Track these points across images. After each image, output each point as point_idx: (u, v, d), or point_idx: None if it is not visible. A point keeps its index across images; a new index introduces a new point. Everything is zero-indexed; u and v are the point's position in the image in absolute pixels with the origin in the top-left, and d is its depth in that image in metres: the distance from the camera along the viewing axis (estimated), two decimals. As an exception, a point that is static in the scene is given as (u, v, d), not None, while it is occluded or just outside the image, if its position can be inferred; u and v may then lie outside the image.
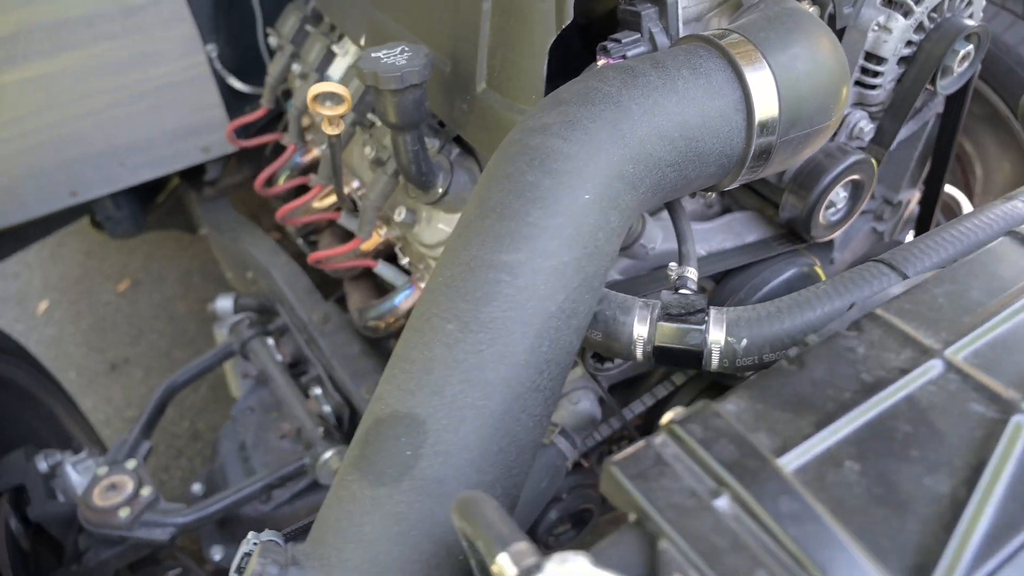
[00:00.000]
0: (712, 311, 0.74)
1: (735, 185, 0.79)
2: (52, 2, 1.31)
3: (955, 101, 1.05)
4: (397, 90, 0.85)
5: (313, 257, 1.27)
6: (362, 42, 1.14)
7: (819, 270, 1.08)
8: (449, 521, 0.60)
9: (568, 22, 0.77)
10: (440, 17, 0.93)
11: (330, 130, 0.91)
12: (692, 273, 0.80)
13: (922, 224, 1.28)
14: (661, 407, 1.04)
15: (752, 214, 1.08)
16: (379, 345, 1.48)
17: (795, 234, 1.06)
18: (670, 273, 0.80)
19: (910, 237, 1.37)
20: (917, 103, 1.00)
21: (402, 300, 1.19)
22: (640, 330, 0.74)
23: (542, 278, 0.64)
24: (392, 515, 0.59)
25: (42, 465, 1.35)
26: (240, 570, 0.67)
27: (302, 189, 1.49)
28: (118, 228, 1.80)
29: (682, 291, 0.78)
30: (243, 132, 1.57)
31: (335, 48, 1.27)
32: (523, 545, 0.42)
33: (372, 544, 0.59)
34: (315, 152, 1.48)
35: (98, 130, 1.49)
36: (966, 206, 1.48)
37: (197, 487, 1.51)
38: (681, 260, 0.81)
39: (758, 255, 1.02)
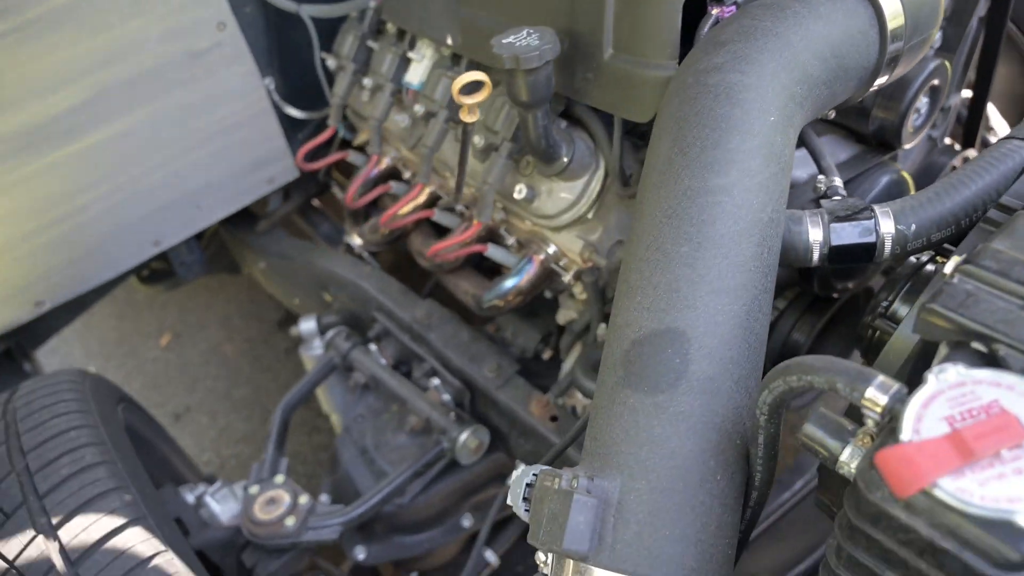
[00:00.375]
0: (875, 207, 0.84)
1: (862, 96, 0.89)
2: (126, 60, 1.36)
3: (999, 2, 1.16)
4: (534, 69, 0.93)
5: (433, 250, 1.34)
6: (449, 41, 1.21)
7: (906, 175, 1.19)
8: (727, 412, 0.68)
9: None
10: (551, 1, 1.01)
11: (469, 118, 0.99)
12: (839, 181, 0.90)
13: (971, 127, 1.39)
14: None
15: (837, 136, 1.19)
16: (482, 330, 1.56)
17: (881, 146, 1.16)
18: (819, 185, 0.90)
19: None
20: (965, 7, 1.12)
21: (524, 276, 1.27)
22: (816, 235, 0.83)
23: (753, 194, 0.73)
24: (677, 415, 0.67)
25: (189, 498, 1.40)
26: (526, 499, 0.74)
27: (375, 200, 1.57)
28: (191, 272, 1.84)
29: (834, 198, 0.88)
30: (309, 156, 1.63)
31: (410, 55, 1.34)
32: (883, 377, 0.51)
33: (664, 442, 0.67)
34: (385, 162, 1.55)
35: (174, 177, 1.54)
36: (995, 116, 1.61)
37: (324, 498, 1.56)
38: (825, 173, 0.91)
39: (856, 169, 1.12)
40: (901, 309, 0.92)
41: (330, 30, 1.56)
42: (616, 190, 1.09)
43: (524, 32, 0.96)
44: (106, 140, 1.41)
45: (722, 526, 0.66)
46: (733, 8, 0.93)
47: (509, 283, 1.29)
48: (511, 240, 1.34)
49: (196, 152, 1.54)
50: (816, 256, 0.84)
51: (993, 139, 1.67)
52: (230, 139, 1.58)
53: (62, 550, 0.91)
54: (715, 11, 0.93)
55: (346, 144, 1.78)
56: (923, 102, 1.13)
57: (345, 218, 1.82)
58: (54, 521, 0.92)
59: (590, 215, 1.18)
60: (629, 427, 0.68)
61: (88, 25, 1.29)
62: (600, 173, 1.16)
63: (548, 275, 1.29)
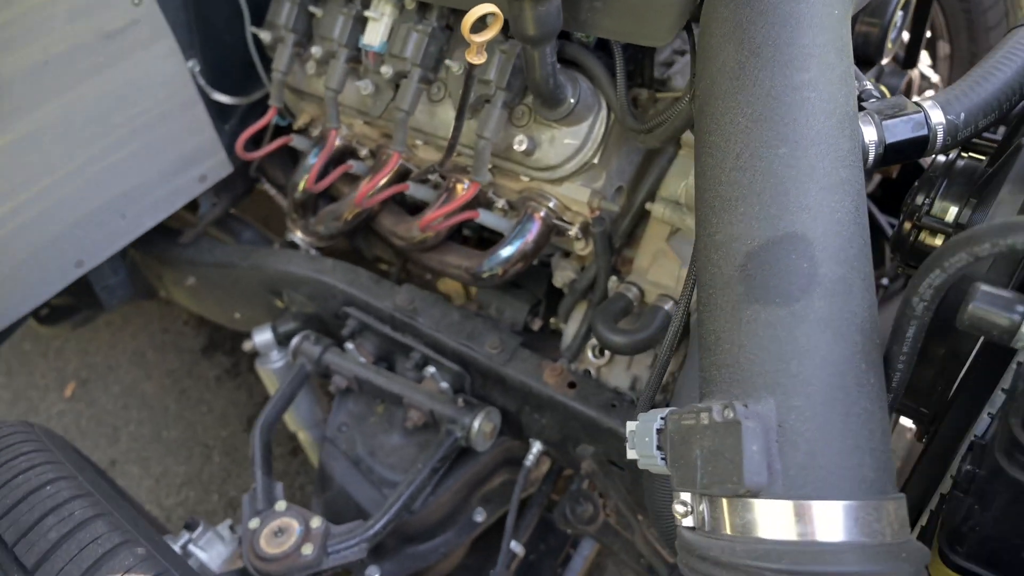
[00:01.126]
0: (921, 101, 0.83)
1: None
2: (31, 44, 1.15)
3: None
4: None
5: (426, 220, 1.23)
6: (417, -9, 1.11)
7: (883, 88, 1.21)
8: (862, 311, 0.64)
9: None
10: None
11: (478, 59, 0.89)
12: (869, 83, 0.89)
13: (913, 47, 1.45)
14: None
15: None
16: (465, 309, 1.46)
17: (860, 63, 1.18)
18: (855, 89, 0.88)
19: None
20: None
21: (527, 236, 1.19)
22: (870, 134, 0.81)
23: (836, 87, 0.70)
24: (818, 321, 0.62)
25: (175, 548, 1.21)
26: (659, 447, 0.67)
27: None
28: (114, 297, 1.62)
29: (870, 100, 0.86)
30: (249, 144, 1.47)
31: (368, 14, 1.22)
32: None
33: (813, 352, 0.62)
34: (337, 141, 1.42)
35: (94, 184, 1.34)
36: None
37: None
38: (856, 78, 0.89)
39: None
40: (941, 207, 0.92)
41: (257, 1, 1.40)
42: (628, 125, 1.04)
43: (529, -41, 0.88)
44: (9, 145, 1.20)
45: (885, 431, 0.62)
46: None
47: (512, 247, 1.20)
48: (500, 203, 1.26)
49: (117, 152, 1.35)
50: (872, 156, 0.82)
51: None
52: (154, 134, 1.39)
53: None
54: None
55: (281, 130, 1.62)
56: (899, 16, 1.15)
57: (287, 213, 1.66)
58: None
59: (596, 160, 1.12)
60: (769, 343, 0.62)
61: (-22, 4, 1.08)
62: (603, 113, 1.10)
63: (551, 232, 1.22)
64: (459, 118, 1.03)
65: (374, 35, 1.23)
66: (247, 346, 1.65)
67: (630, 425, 0.71)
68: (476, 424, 1.29)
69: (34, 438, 0.98)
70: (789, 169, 0.66)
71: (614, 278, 1.24)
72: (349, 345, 1.46)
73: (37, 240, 1.29)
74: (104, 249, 1.41)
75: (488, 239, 1.52)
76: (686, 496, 0.66)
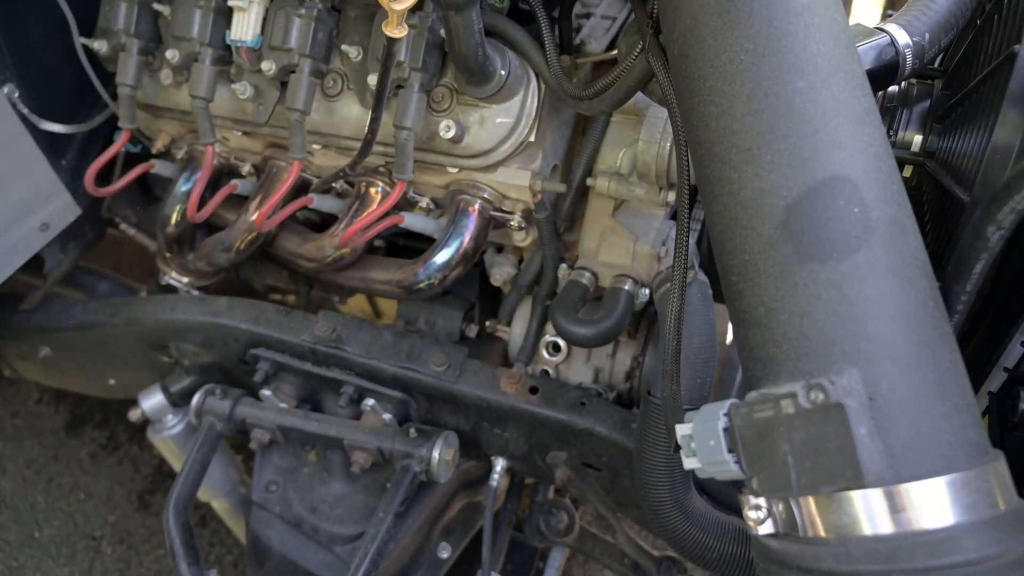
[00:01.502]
0: (884, 25, 0.78)
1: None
2: None
3: None
4: (466, -49, 0.73)
5: (348, 233, 1.05)
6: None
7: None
8: (919, 252, 0.57)
9: None
10: None
11: (398, 32, 0.74)
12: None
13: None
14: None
15: None
16: (394, 328, 1.30)
17: None
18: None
19: None
20: None
21: (465, 235, 1.05)
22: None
23: (835, 8, 0.62)
24: (885, 270, 0.54)
25: None
26: (727, 422, 0.57)
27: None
28: (-48, 386, 1.30)
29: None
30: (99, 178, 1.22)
31: (232, 3, 1.03)
32: None
33: (889, 306, 0.54)
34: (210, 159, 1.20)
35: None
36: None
37: (264, 601, 1.22)
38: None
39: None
40: (904, 137, 0.90)
41: (82, 7, 1.16)
42: (569, 93, 0.92)
43: (440, -92, 0.75)
44: None
45: (968, 382, 0.55)
46: None
47: (449, 250, 1.06)
48: (424, 201, 1.11)
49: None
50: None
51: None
52: (-27, 179, 1.12)
53: None
54: None
55: (133, 158, 1.37)
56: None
57: (158, 251, 1.41)
58: None
59: (532, 137, 1.00)
60: (838, 305, 0.54)
61: None
62: (534, 84, 0.98)
63: (489, 227, 1.09)
64: (376, 108, 0.87)
65: (244, 28, 1.04)
66: (133, 415, 1.39)
67: (681, 430, 0.60)
68: (436, 453, 1.14)
69: None
70: (813, 104, 0.58)
71: (563, 266, 1.13)
72: (265, 391, 1.25)
73: None
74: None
75: (405, 246, 1.36)
76: (759, 500, 0.56)
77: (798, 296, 0.56)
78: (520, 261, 1.24)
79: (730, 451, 0.56)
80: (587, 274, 1.11)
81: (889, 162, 0.59)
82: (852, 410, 0.49)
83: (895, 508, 0.50)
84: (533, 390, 1.14)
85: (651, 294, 1.09)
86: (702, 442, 0.57)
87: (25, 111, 1.17)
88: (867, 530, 0.50)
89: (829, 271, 0.55)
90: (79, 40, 1.15)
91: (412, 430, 1.17)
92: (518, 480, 1.44)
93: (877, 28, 0.79)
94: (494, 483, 1.22)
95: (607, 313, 1.04)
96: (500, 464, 1.23)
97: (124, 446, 2.16)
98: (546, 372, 1.22)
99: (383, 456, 1.18)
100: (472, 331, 1.36)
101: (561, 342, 1.20)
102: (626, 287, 1.08)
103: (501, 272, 1.22)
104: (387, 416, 1.22)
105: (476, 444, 1.25)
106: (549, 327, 1.21)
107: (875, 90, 0.79)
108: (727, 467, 0.56)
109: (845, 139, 0.58)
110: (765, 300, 0.57)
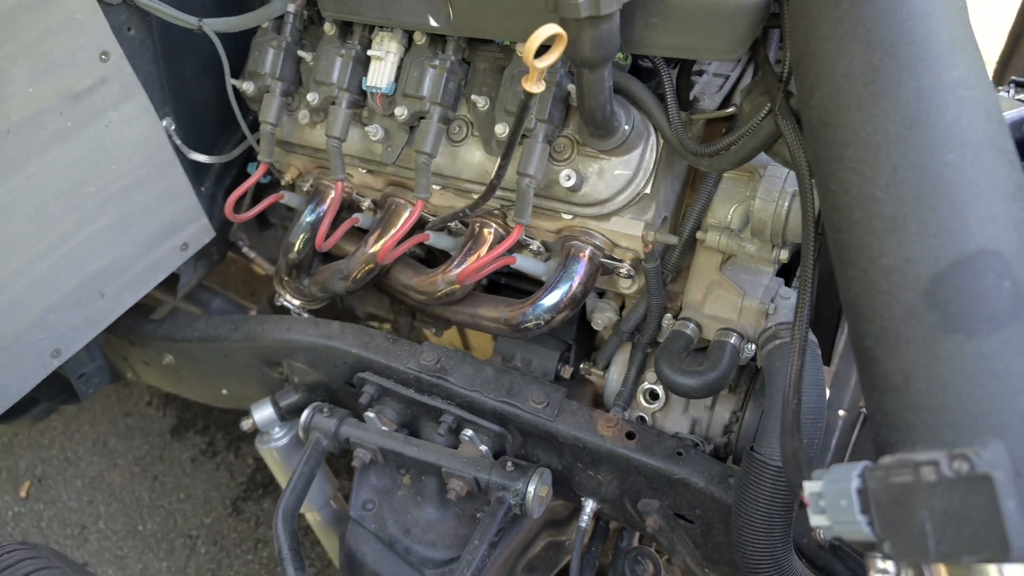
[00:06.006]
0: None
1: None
2: (-13, 109, 1.00)
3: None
4: (606, 16, 0.77)
5: (464, 272, 1.11)
6: (432, 23, 1.01)
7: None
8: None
9: None
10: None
11: (536, 88, 0.79)
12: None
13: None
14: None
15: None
16: (495, 363, 1.34)
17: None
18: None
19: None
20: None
21: (575, 279, 1.09)
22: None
23: (986, 82, 0.64)
24: (1034, 348, 0.54)
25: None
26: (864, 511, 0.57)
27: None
28: (91, 385, 1.43)
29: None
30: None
31: (371, 53, 1.11)
32: None
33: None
34: (331, 196, 1.29)
35: (69, 263, 1.17)
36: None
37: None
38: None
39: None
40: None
41: (233, 50, 1.27)
42: (689, 149, 0.95)
43: (584, -22, 0.79)
44: (-30, 226, 1.03)
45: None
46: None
47: (558, 292, 1.10)
48: (534, 245, 1.15)
49: (92, 224, 1.18)
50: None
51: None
52: (131, 202, 1.23)
53: None
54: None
55: (262, 188, 1.49)
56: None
57: (277, 274, 1.51)
58: None
59: (648, 189, 1.03)
60: (985, 379, 0.54)
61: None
62: (653, 139, 1.02)
63: (597, 273, 1.12)
64: (506, 156, 0.92)
65: (380, 75, 1.12)
66: (245, 424, 1.48)
67: (810, 487, 0.60)
68: (531, 488, 1.16)
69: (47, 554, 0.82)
70: (964, 177, 0.59)
71: (667, 315, 1.15)
72: (370, 414, 1.32)
73: (7, 332, 1.12)
74: (83, 334, 1.24)
75: (507, 285, 1.41)
76: (887, 564, 0.56)
77: (941, 367, 0.56)
78: (621, 307, 1.26)
79: (862, 512, 0.56)
80: (691, 325, 1.12)
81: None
82: (1000, 483, 0.49)
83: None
84: (630, 435, 1.15)
85: (756, 350, 1.09)
86: (832, 501, 0.58)
87: (178, 142, 1.29)
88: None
89: (976, 344, 0.55)
90: (230, 81, 1.26)
91: (509, 463, 1.20)
92: (603, 524, 1.44)
93: (1018, 100, 0.79)
94: (583, 524, 1.23)
95: (712, 365, 1.05)
96: (590, 506, 1.24)
97: (221, 453, 2.28)
98: (642, 419, 1.23)
99: (478, 486, 1.21)
100: (566, 372, 1.38)
101: (660, 390, 1.21)
102: (732, 341, 1.08)
103: (603, 317, 1.25)
104: (483, 448, 1.25)
105: (567, 484, 1.27)
106: (647, 375, 1.23)
107: None
108: (858, 528, 0.56)
109: (997, 213, 0.58)
110: (903, 368, 0.58)
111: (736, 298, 1.10)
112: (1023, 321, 0.54)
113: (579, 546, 1.23)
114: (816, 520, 0.59)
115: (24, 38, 1.01)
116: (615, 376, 1.26)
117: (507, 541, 1.28)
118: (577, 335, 1.38)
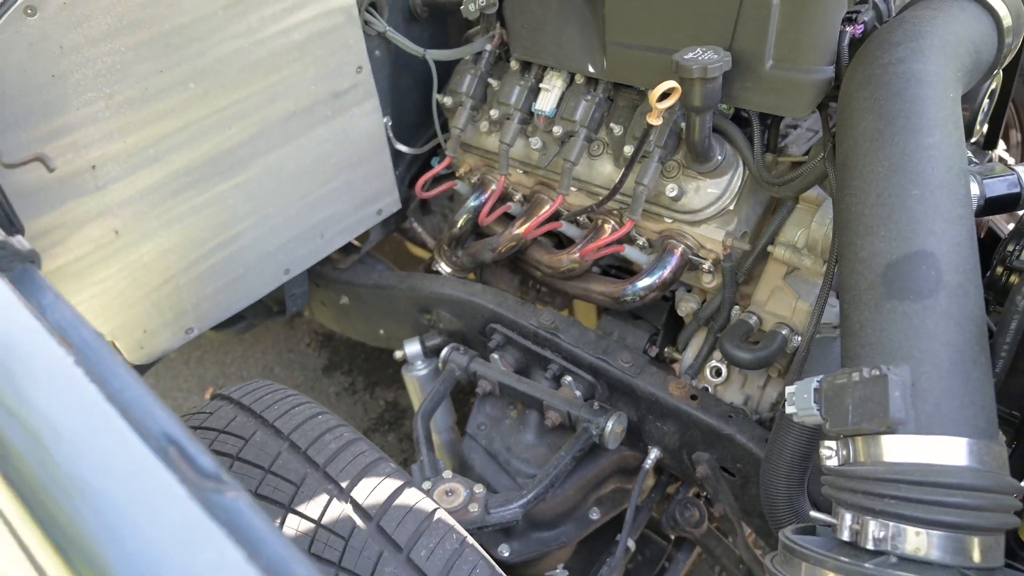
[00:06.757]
0: (1014, 165, 1.07)
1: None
2: (286, 98, 1.50)
3: None
4: (713, 78, 1.14)
5: (585, 250, 1.50)
6: (590, 69, 1.42)
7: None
8: (976, 309, 0.87)
9: (848, -1, 1.11)
10: (711, 24, 1.23)
11: (656, 121, 1.18)
12: (968, 152, 1.13)
13: (993, 129, 1.69)
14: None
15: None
16: (597, 331, 1.71)
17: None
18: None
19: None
20: None
21: (668, 267, 1.45)
22: (974, 189, 1.06)
23: (954, 148, 0.95)
24: (944, 313, 0.85)
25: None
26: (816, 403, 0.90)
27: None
28: (296, 303, 1.93)
29: (971, 164, 1.11)
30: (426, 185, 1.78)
31: (542, 85, 1.54)
32: None
33: (940, 335, 0.84)
34: (492, 187, 1.72)
35: (307, 208, 1.66)
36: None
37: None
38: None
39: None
40: (1028, 254, 1.14)
41: (440, 73, 1.74)
42: (765, 179, 1.30)
43: (699, 50, 1.17)
44: (261, 173, 1.53)
45: (992, 397, 0.84)
46: (862, 27, 1.17)
47: (653, 276, 1.46)
48: (641, 240, 1.52)
49: (327, 185, 1.67)
50: (975, 207, 1.06)
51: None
52: (353, 174, 1.72)
53: (358, 508, 0.99)
54: (849, 29, 1.17)
55: (439, 177, 1.94)
56: (986, 103, 1.40)
57: (438, 246, 1.95)
58: (343, 485, 1.01)
59: (731, 206, 1.38)
60: (906, 328, 0.86)
61: (263, 66, 1.42)
62: (740, 169, 1.37)
63: (685, 266, 1.47)
64: (629, 167, 1.31)
65: (546, 102, 1.54)
66: (398, 355, 1.92)
67: (789, 388, 0.94)
68: (609, 425, 1.52)
69: (287, 389, 1.26)
70: (920, 204, 0.91)
71: (736, 308, 1.48)
72: (495, 356, 1.72)
73: (262, 249, 1.61)
74: (305, 261, 1.73)
75: (615, 273, 1.78)
76: (831, 443, 0.88)
77: (882, 319, 0.88)
78: (703, 301, 1.60)
79: (815, 402, 0.89)
80: (754, 317, 1.45)
81: (968, 251, 0.89)
82: (892, 379, 0.81)
83: (910, 447, 0.80)
84: (693, 397, 1.48)
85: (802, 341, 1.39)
86: (799, 396, 0.91)
87: (391, 135, 1.77)
88: (888, 458, 0.81)
89: (905, 307, 0.87)
90: (436, 95, 1.73)
91: (596, 404, 1.56)
92: (663, 479, 1.76)
93: (1010, 167, 1.08)
94: (647, 465, 1.57)
95: (764, 346, 1.37)
96: (654, 453, 1.58)
97: (360, 392, 2.77)
98: (706, 389, 1.55)
99: (570, 420, 1.58)
100: (652, 351, 1.73)
101: (724, 368, 1.53)
102: (783, 332, 1.40)
103: (687, 307, 1.59)
104: (578, 392, 1.62)
105: (639, 434, 1.61)
106: (715, 355, 1.55)
107: (999, 213, 1.08)
108: (811, 412, 0.89)
109: (938, 230, 0.89)
110: (861, 320, 0.90)
111: (792, 300, 1.41)
112: (937, 297, 0.86)
113: (640, 481, 1.56)
114: (787, 410, 0.92)
115: (316, 54, 1.50)
116: (690, 354, 1.60)
117: (582, 472, 1.63)
118: (666, 322, 1.72)
